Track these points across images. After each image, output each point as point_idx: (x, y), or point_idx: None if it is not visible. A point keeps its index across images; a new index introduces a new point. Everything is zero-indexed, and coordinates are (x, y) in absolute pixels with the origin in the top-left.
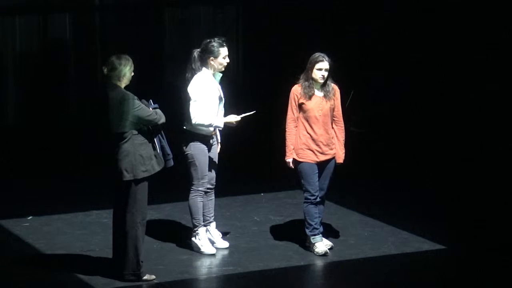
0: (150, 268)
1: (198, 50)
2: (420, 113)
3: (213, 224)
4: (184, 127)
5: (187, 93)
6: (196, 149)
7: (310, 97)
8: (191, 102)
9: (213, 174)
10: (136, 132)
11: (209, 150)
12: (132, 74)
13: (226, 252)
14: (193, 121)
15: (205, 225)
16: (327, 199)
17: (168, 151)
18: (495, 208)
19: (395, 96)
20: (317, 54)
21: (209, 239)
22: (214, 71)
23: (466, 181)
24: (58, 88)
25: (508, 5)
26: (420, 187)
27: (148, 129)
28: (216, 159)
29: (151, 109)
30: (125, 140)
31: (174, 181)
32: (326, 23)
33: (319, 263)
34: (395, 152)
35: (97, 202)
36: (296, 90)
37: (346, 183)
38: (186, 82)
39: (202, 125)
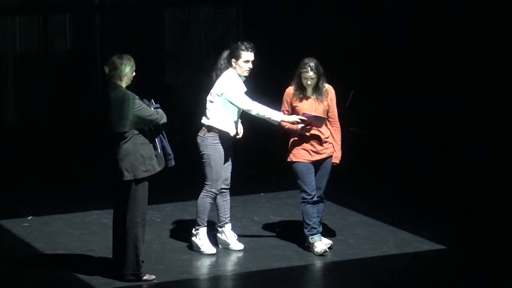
0: (150, 268)
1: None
2: (420, 113)
3: (229, 226)
4: (204, 123)
5: (216, 90)
6: (212, 150)
7: (302, 100)
8: (233, 96)
9: (228, 174)
10: (137, 132)
11: (225, 149)
12: (134, 74)
13: (226, 252)
14: (252, 112)
15: (220, 226)
16: (327, 198)
17: (169, 151)
18: (495, 208)
19: (396, 96)
20: (304, 62)
21: (224, 241)
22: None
23: (466, 181)
24: (58, 88)
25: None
26: (420, 187)
27: (149, 129)
28: (231, 160)
29: (152, 109)
30: (125, 140)
31: (174, 181)
32: (326, 23)
33: (319, 263)
34: (395, 152)
35: (97, 202)
36: (289, 92)
37: (346, 183)
38: (212, 80)
39: (262, 116)
